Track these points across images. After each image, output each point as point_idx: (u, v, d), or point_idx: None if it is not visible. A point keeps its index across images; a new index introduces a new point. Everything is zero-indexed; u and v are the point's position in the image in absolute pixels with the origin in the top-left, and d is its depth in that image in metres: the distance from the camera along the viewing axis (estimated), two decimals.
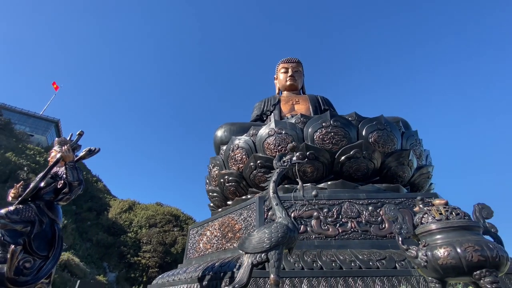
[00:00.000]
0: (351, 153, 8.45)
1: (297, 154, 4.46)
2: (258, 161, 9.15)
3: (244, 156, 9.70)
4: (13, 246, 4.40)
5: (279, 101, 17.72)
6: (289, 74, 18.98)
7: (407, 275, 5.33)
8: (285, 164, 4.40)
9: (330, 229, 6.80)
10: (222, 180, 10.37)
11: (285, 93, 18.72)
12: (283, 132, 9.05)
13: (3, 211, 4.72)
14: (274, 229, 3.41)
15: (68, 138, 6.53)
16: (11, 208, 4.86)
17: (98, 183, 59.12)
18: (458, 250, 2.84)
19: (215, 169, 11.06)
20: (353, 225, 6.85)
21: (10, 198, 5.27)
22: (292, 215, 7.16)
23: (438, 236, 3.14)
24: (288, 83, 18.61)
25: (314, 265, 5.52)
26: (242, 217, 7.81)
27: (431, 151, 11.30)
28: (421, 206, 3.53)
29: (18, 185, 5.36)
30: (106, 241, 45.99)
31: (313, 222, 6.94)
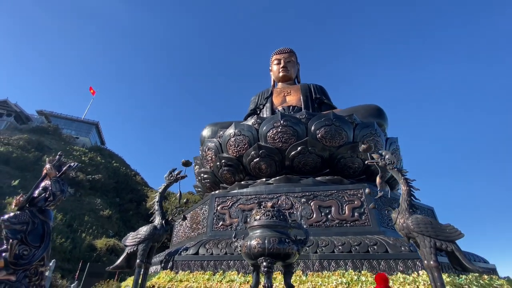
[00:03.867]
0: (298, 149, 9.29)
1: (176, 172, 5.57)
2: (222, 161, 10.42)
3: (213, 157, 11.02)
4: (11, 240, 6.37)
5: (271, 94, 18.44)
6: (282, 65, 19.46)
7: (305, 258, 6.30)
8: (171, 178, 5.61)
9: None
10: (199, 177, 11.89)
11: (279, 84, 19.32)
12: (241, 134, 10.15)
13: (6, 216, 6.73)
14: (145, 229, 4.73)
15: (56, 157, 8.50)
16: (11, 214, 6.86)
17: (137, 177, 65.12)
18: (252, 242, 3.86)
19: (196, 167, 12.60)
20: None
21: (13, 206, 7.30)
22: (240, 207, 8.43)
23: (255, 231, 4.15)
24: (281, 74, 19.15)
25: (235, 250, 6.76)
26: (202, 210, 9.25)
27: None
28: (256, 207, 4.55)
29: (18, 197, 7.38)
30: None
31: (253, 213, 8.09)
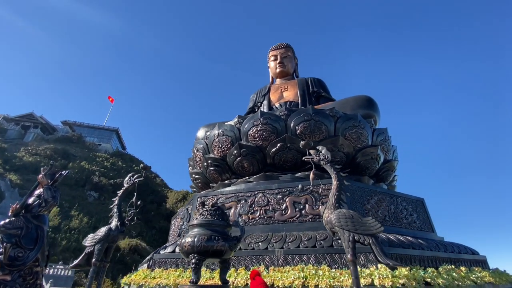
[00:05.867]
0: (277, 146, 9.35)
1: (130, 177, 5.87)
2: (209, 161, 10.70)
3: (201, 157, 11.33)
4: (5, 243, 7.09)
5: (269, 91, 18.44)
6: (278, 61, 19.35)
7: (271, 254, 6.40)
8: (130, 182, 5.91)
9: (243, 217, 8.08)
10: (192, 178, 12.28)
11: (277, 80, 19.25)
12: (224, 134, 10.35)
13: (1, 223, 7.48)
14: (102, 230, 5.08)
15: (48, 167, 9.23)
16: (7, 220, 7.61)
17: (157, 179, 67.61)
18: (185, 240, 4.06)
19: (189, 168, 12.99)
20: (261, 212, 7.99)
21: (10, 213, 8.05)
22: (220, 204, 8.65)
23: (194, 230, 4.34)
24: (278, 70, 19.05)
25: None
26: (188, 210, 9.60)
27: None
28: (200, 207, 4.74)
29: (14, 206, 8.11)
30: (167, 228, 53.44)
31: (231, 212, 8.30)
